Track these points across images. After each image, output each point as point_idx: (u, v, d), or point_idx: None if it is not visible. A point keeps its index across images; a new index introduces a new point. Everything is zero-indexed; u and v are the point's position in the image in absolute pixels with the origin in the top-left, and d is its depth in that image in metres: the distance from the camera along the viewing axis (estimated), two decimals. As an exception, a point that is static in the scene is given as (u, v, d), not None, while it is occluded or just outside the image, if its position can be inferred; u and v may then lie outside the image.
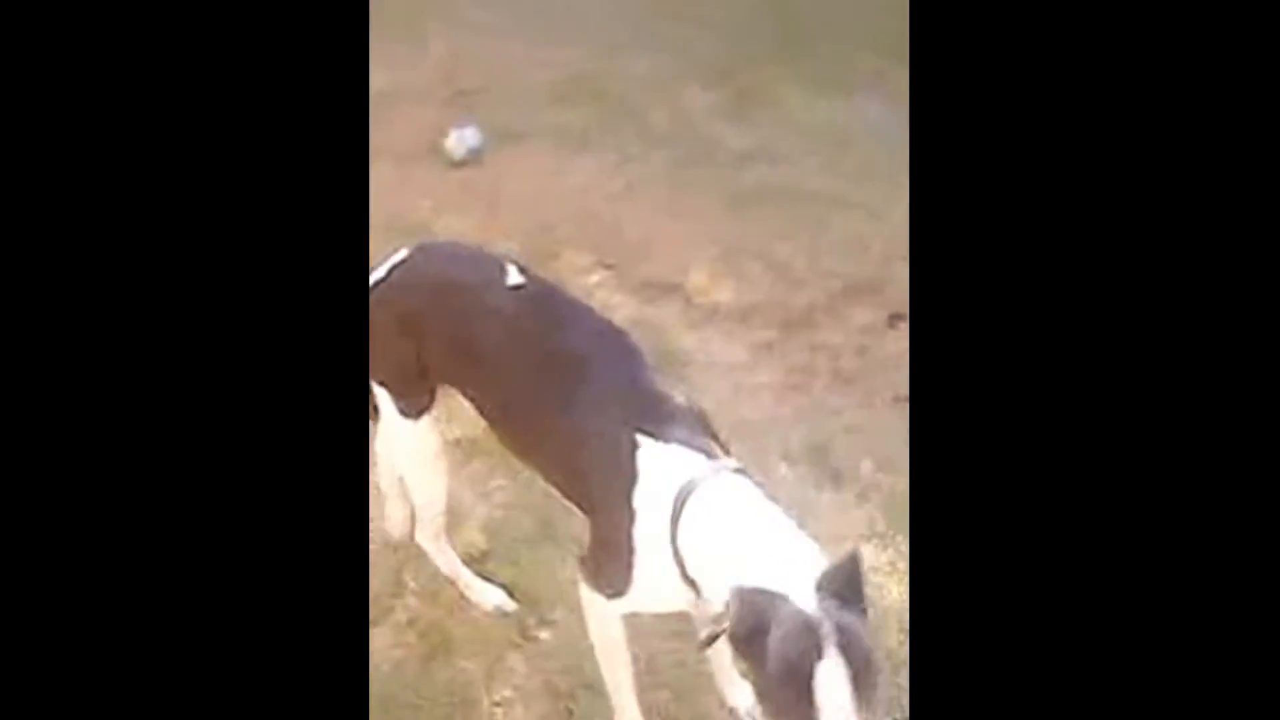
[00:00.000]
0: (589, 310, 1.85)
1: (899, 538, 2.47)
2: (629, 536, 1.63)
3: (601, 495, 1.69)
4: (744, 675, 1.88)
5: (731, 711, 2.05)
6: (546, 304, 1.82)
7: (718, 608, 1.49)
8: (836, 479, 2.68)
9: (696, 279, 3.44)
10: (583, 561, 1.78)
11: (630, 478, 1.62)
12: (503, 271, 1.84)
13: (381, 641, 2.19)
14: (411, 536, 2.27)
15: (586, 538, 1.78)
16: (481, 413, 1.89)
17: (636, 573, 1.65)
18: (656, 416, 1.65)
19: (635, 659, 1.91)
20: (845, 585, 1.37)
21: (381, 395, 1.92)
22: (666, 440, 1.63)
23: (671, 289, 3.40)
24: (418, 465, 2.05)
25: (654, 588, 1.65)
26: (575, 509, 1.82)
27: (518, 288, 1.82)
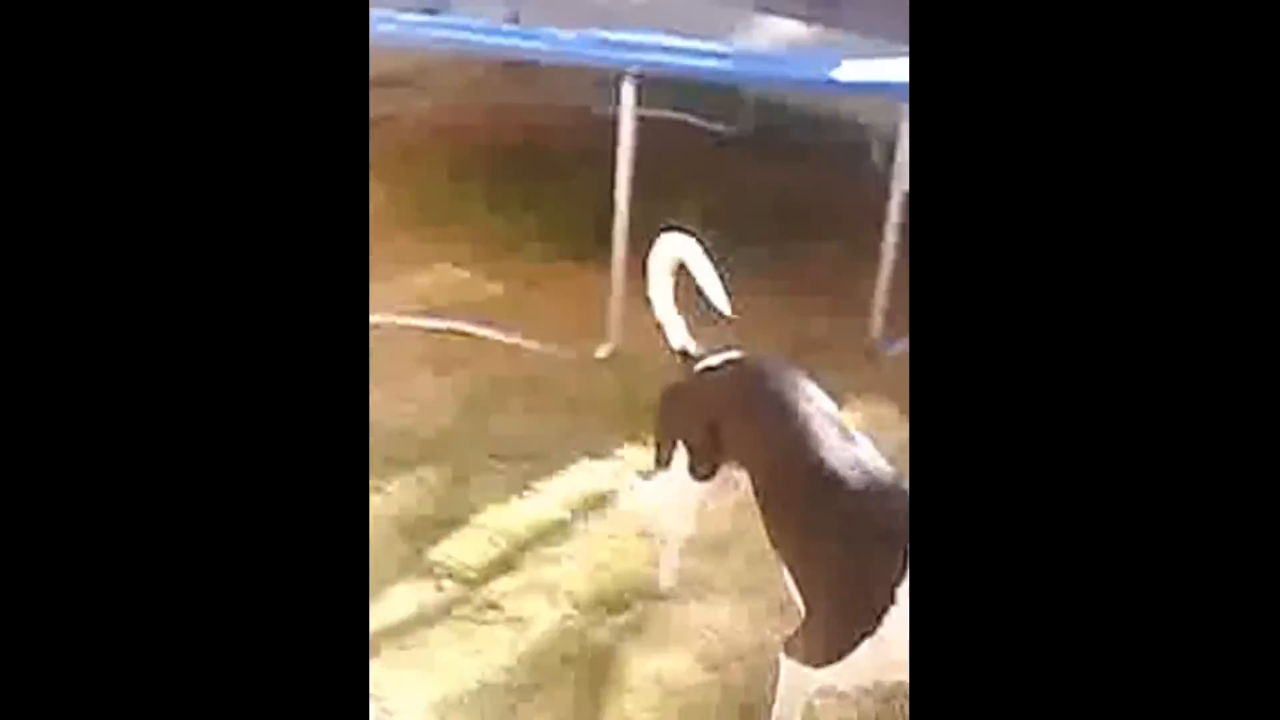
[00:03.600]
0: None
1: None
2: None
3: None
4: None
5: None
6: (827, 421, 2.11)
7: None
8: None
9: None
10: (793, 640, 1.95)
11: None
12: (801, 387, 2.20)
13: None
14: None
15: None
16: (756, 494, 2.18)
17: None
18: None
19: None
20: None
21: (680, 452, 2.32)
22: None
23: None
24: (682, 518, 2.48)
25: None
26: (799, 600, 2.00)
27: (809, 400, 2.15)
